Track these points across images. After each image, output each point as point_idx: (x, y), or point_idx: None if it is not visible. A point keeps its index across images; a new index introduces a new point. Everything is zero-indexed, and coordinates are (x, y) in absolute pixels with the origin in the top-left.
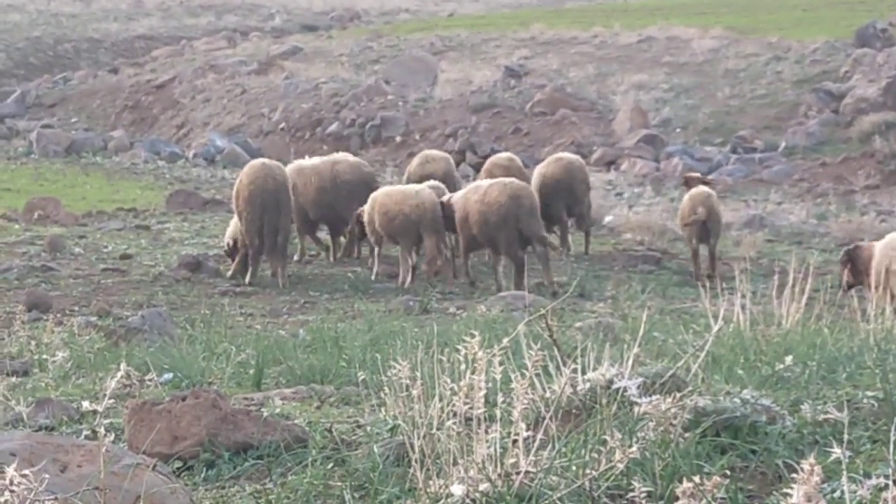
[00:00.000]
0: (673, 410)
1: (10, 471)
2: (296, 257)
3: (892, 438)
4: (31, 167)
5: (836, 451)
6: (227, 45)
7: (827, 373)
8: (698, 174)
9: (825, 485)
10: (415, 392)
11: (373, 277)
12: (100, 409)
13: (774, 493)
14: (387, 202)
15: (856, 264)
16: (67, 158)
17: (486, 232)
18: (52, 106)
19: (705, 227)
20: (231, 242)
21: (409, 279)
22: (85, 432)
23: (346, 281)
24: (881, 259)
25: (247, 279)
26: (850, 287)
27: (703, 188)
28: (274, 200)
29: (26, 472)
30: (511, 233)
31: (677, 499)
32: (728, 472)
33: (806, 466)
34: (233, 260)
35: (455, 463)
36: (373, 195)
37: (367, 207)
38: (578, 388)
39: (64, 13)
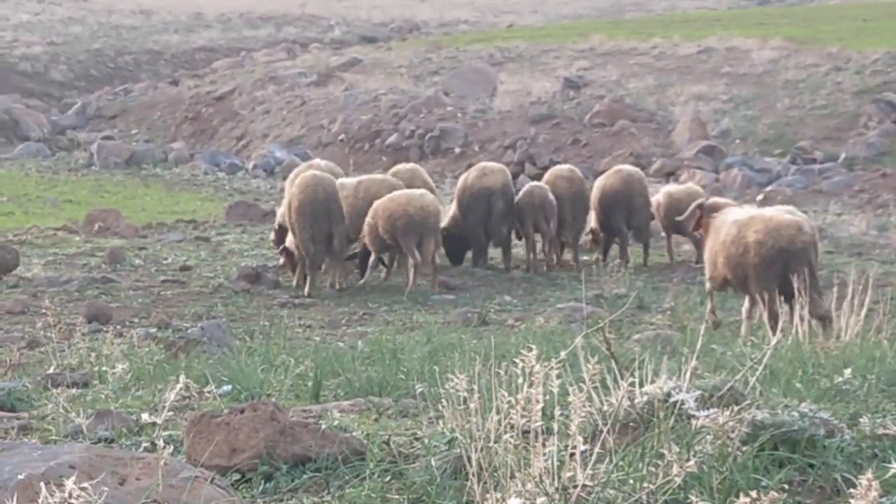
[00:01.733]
0: (731, 424)
1: (70, 483)
2: None
3: None
4: (92, 179)
5: (895, 466)
6: (286, 57)
7: (886, 386)
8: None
9: (884, 499)
10: (472, 405)
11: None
12: (159, 421)
13: None
14: (390, 206)
15: None
16: (128, 170)
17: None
18: (112, 118)
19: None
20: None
21: (413, 281)
22: (144, 444)
23: (403, 292)
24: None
25: (305, 291)
26: None
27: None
28: (324, 210)
29: (85, 484)
30: None
31: None
32: (786, 487)
33: (864, 481)
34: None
35: (512, 476)
36: (375, 204)
37: (367, 217)
38: (636, 401)
39: (124, 25)
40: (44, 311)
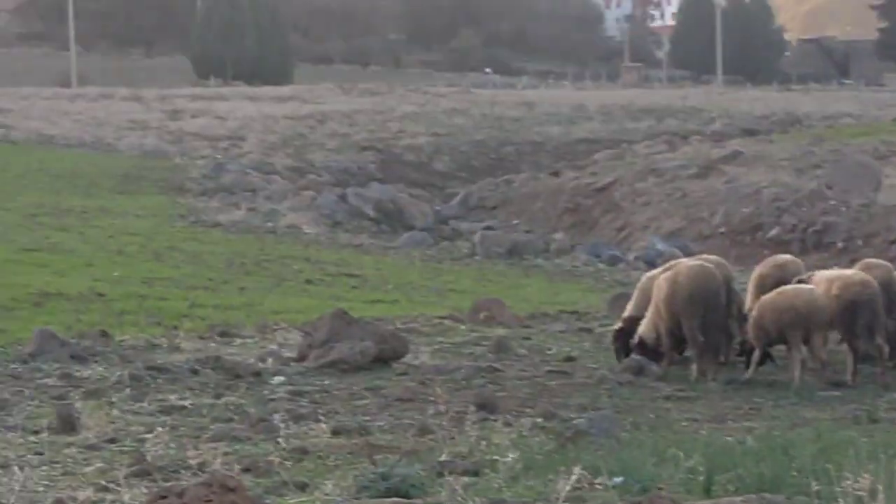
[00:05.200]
0: None
1: None
2: None
3: None
4: (475, 268)
5: None
6: (667, 149)
7: None
8: None
9: None
10: None
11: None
12: None
13: None
14: (777, 299)
15: None
16: (509, 260)
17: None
18: (493, 208)
19: None
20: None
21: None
22: None
23: (790, 387)
24: None
25: (692, 377)
26: None
27: None
28: (716, 300)
29: None
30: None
31: None
32: None
33: None
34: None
35: None
36: (762, 298)
37: (753, 312)
38: None
39: (507, 117)
40: (433, 398)
